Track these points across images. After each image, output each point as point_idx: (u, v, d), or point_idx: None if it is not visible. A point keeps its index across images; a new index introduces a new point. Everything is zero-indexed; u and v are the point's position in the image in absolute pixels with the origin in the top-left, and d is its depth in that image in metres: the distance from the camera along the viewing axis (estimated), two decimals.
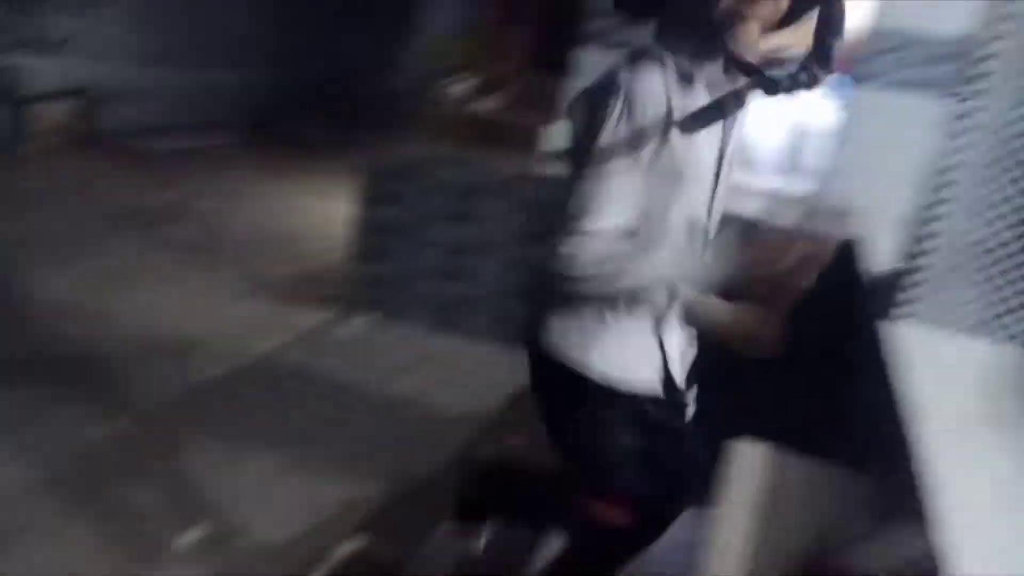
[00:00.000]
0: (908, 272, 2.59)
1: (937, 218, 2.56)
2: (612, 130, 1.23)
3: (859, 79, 2.73)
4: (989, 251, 2.52)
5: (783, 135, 4.12)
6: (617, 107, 1.23)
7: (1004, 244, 2.51)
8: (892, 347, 1.66)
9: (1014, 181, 2.41)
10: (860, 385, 1.61)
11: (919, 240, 2.59)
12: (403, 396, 2.81)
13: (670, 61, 1.27)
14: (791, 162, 3.97)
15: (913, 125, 2.59)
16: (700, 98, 1.26)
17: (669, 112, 1.24)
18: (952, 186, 2.52)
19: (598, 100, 1.26)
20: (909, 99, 2.64)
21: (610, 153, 1.24)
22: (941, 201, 2.55)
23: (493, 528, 1.80)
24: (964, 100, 2.49)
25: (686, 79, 1.27)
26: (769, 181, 3.52)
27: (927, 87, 2.63)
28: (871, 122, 2.70)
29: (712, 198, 1.36)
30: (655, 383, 1.40)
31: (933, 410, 1.78)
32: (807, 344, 1.91)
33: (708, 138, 1.29)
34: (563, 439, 1.48)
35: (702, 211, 1.36)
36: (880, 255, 2.37)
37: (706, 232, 1.38)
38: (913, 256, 2.59)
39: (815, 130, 3.90)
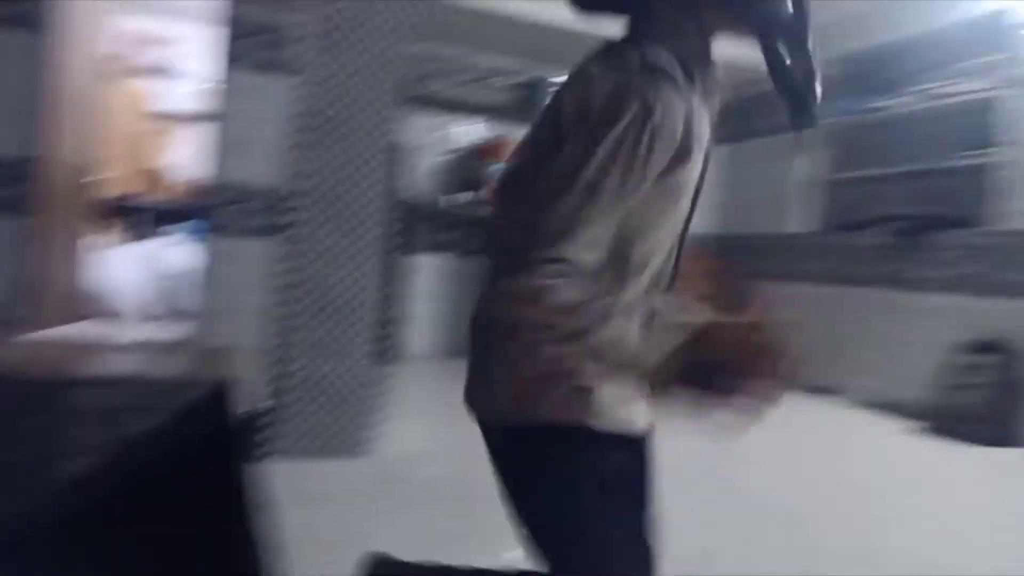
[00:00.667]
0: (269, 410, 2.81)
1: (288, 358, 2.85)
2: (620, 150, 1.02)
3: (213, 226, 2.89)
4: (338, 380, 2.92)
5: (148, 282, 4.07)
6: (632, 125, 1.02)
7: (351, 372, 2.93)
8: (261, 486, 1.76)
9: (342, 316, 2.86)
10: (233, 530, 1.67)
11: (277, 378, 2.83)
12: None
13: (676, 68, 1.10)
14: (161, 308, 3.93)
15: (261, 268, 2.84)
16: (701, 108, 1.13)
17: (688, 130, 1.07)
18: (294, 326, 2.84)
19: (602, 112, 1.04)
20: (253, 244, 2.91)
21: (609, 173, 1.03)
22: (287, 342, 2.85)
23: None
24: (283, 246, 2.87)
25: (689, 86, 1.12)
26: (140, 331, 3.41)
27: (267, 233, 2.93)
28: (227, 265, 2.88)
29: (689, 216, 1.21)
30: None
31: (306, 541, 1.95)
32: (182, 491, 1.89)
33: (699, 151, 1.14)
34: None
35: (676, 232, 1.19)
36: (250, 395, 2.49)
37: (677, 255, 1.21)
38: (274, 393, 2.81)
39: (179, 274, 3.95)
